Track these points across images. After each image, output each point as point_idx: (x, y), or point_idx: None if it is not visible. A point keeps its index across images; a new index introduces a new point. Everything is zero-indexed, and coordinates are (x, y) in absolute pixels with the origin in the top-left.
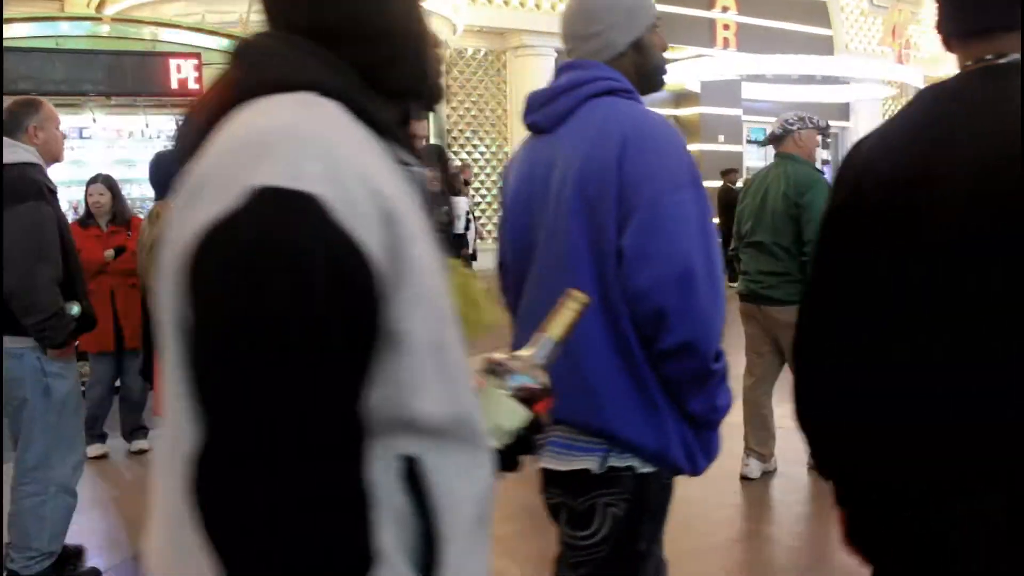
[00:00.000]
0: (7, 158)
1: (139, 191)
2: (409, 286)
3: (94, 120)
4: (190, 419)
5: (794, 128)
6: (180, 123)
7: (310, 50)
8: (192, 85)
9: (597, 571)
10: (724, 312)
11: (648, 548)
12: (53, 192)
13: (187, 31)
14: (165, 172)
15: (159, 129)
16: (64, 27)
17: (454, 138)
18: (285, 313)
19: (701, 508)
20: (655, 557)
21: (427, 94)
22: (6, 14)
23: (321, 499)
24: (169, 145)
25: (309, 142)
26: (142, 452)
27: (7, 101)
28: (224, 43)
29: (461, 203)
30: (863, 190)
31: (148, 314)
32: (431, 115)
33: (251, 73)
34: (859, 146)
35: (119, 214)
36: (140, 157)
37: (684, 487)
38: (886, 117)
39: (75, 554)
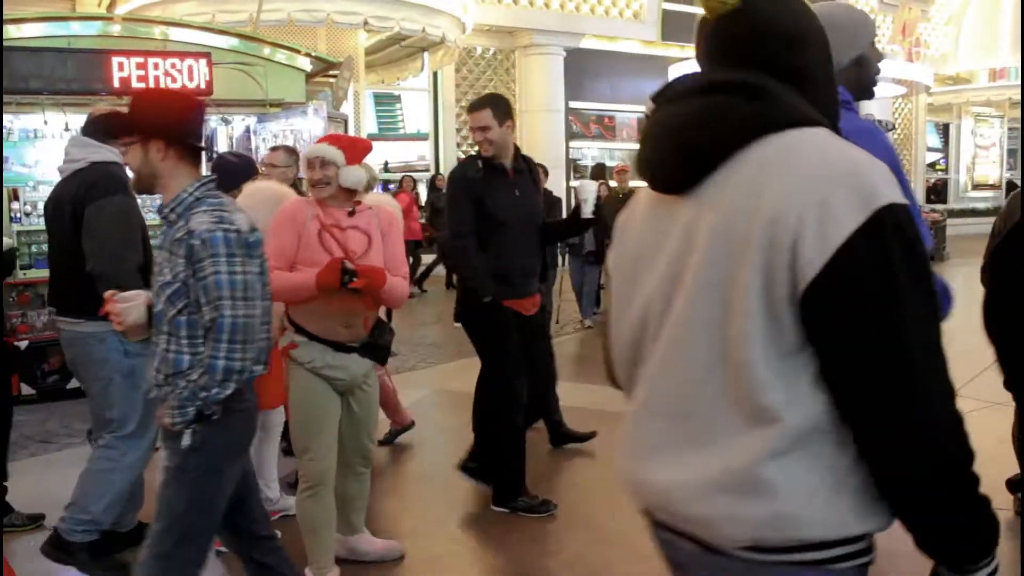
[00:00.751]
0: (96, 157)
1: None
2: None
3: None
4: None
5: None
6: (680, 129)
7: (794, 92)
8: (201, 84)
9: None
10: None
11: None
12: None
13: (197, 31)
14: (230, 173)
15: None
16: (75, 27)
17: (463, 137)
18: (928, 276)
19: None
20: None
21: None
22: (19, 14)
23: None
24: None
25: (878, 166)
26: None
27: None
28: (234, 42)
29: (590, 186)
30: None
31: None
32: (438, 112)
33: (773, 109)
34: None
35: None
36: None
37: None
38: (896, 116)
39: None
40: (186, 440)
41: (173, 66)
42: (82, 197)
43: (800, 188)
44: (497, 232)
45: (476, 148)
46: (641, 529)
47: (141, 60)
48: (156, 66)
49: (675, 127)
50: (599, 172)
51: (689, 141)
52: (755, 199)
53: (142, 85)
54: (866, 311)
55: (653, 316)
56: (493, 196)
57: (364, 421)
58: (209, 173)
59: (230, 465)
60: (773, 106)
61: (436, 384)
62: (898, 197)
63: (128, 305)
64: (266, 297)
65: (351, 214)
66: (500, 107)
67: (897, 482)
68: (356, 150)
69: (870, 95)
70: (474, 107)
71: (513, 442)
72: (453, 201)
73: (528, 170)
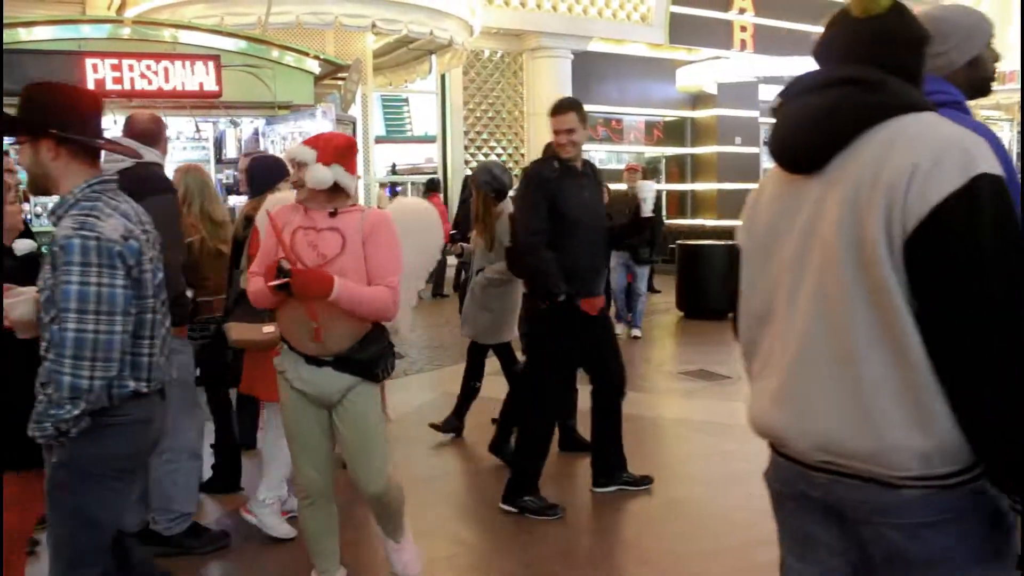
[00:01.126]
0: (146, 158)
1: None
2: None
3: (115, 121)
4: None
5: None
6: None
7: (906, 84)
8: (211, 87)
9: None
10: None
11: None
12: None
13: (206, 33)
14: (263, 176)
15: (178, 130)
16: (86, 30)
17: (471, 140)
18: (1019, 243)
19: (717, 509)
20: None
21: None
22: (29, 17)
23: None
24: (262, 149)
25: (981, 144)
26: None
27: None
28: (242, 45)
29: (649, 186)
30: None
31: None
32: (446, 115)
33: (892, 98)
34: None
35: None
36: None
37: (699, 487)
38: None
39: (220, 535)
40: (55, 455)
41: (183, 68)
42: (130, 193)
43: (911, 156)
44: (568, 232)
45: (483, 152)
46: (649, 532)
47: (150, 63)
48: (167, 69)
49: (806, 117)
50: (645, 174)
51: (819, 127)
52: (877, 172)
53: (151, 87)
54: (954, 267)
55: (790, 280)
56: (566, 196)
57: (357, 448)
58: (241, 173)
59: (109, 480)
60: (891, 95)
61: (444, 387)
62: (995, 169)
63: (14, 300)
64: (137, 311)
65: (333, 215)
66: (582, 110)
67: (975, 429)
68: (328, 149)
69: (985, 94)
70: (558, 110)
71: (536, 443)
72: (528, 200)
73: (592, 174)
